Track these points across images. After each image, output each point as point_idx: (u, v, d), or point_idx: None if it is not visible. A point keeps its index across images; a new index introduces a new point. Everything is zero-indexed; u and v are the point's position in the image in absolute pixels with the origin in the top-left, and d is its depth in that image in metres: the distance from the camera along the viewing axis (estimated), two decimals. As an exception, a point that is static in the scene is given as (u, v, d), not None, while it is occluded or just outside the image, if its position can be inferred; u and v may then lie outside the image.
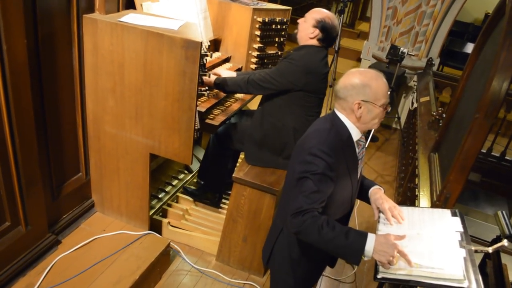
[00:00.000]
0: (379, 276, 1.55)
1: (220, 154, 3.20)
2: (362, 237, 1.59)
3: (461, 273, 1.49)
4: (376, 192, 1.92)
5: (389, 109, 1.76)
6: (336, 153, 1.68)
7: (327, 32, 2.60)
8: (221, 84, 2.78)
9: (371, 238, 1.58)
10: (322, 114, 5.53)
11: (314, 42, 2.64)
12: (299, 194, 1.65)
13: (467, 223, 1.77)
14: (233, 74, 2.96)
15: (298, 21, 2.71)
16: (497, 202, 4.39)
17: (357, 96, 1.70)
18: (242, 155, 3.65)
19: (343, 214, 1.90)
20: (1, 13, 1.83)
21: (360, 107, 1.70)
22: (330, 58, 6.19)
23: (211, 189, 3.37)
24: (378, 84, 1.70)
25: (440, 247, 1.63)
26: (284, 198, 1.92)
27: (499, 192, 4.38)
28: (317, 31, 2.59)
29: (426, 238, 1.68)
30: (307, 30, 2.62)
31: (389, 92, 1.75)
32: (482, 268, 2.19)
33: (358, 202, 2.55)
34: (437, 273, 1.50)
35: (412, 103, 5.32)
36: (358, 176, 1.89)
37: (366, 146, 1.89)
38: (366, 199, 1.99)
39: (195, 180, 3.65)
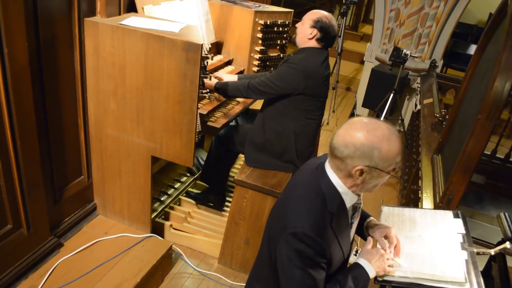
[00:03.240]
0: (379, 279, 1.54)
1: (223, 156, 3.20)
2: (361, 271, 1.55)
3: (462, 276, 1.47)
4: (376, 222, 1.76)
5: (398, 171, 1.49)
6: (324, 232, 1.40)
7: (325, 32, 2.60)
8: (221, 88, 2.79)
9: (365, 264, 1.55)
10: (325, 115, 5.51)
11: (313, 43, 2.64)
12: None
13: (472, 226, 1.76)
14: (234, 78, 2.96)
15: (296, 25, 2.74)
16: (502, 204, 4.35)
17: (360, 160, 1.35)
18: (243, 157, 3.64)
19: None
20: (2, 16, 1.84)
21: (362, 173, 1.38)
22: (332, 60, 6.20)
23: (214, 191, 3.37)
24: (390, 147, 1.34)
25: (442, 249, 1.61)
26: (262, 258, 1.66)
27: (504, 194, 4.34)
28: (315, 31, 2.60)
29: (427, 240, 1.67)
30: (305, 32, 2.63)
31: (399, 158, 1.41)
32: (487, 271, 2.17)
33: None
34: (438, 276, 1.49)
35: (416, 105, 5.29)
36: (351, 240, 1.64)
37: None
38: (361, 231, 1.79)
39: (198, 182, 3.64)
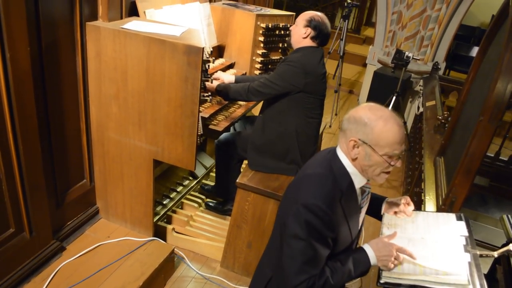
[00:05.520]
0: (382, 281, 1.53)
1: (228, 163, 3.19)
2: (363, 255, 1.57)
3: (465, 278, 1.46)
4: (392, 200, 1.84)
5: (397, 164, 1.48)
6: (334, 207, 1.47)
7: (319, 29, 2.67)
8: (222, 91, 2.80)
9: (369, 251, 1.57)
10: (327, 117, 5.48)
11: (308, 41, 2.69)
12: (297, 260, 1.48)
13: (476, 228, 1.74)
14: (232, 78, 2.98)
15: (290, 28, 2.79)
16: (506, 206, 4.32)
17: (355, 132, 1.47)
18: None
19: None
20: (4, 21, 1.85)
21: (357, 147, 1.47)
22: (334, 63, 6.20)
23: (230, 199, 3.34)
24: (386, 128, 1.43)
25: (445, 251, 1.60)
26: (273, 244, 1.72)
27: (508, 196, 4.31)
28: (309, 30, 2.66)
29: (430, 242, 1.65)
30: (299, 32, 2.70)
31: (403, 149, 1.47)
32: (492, 274, 2.15)
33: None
34: (441, 278, 1.48)
35: (418, 108, 5.28)
36: (359, 225, 1.70)
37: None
38: (377, 212, 1.86)
39: (199, 186, 3.64)
